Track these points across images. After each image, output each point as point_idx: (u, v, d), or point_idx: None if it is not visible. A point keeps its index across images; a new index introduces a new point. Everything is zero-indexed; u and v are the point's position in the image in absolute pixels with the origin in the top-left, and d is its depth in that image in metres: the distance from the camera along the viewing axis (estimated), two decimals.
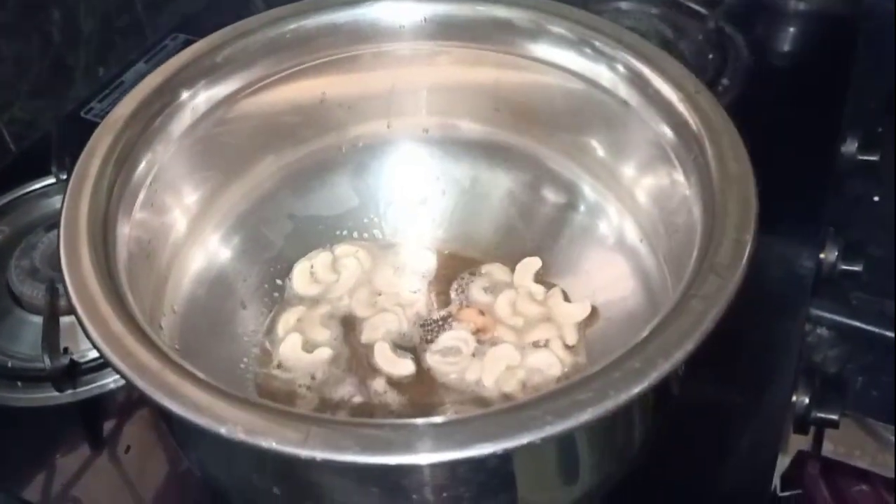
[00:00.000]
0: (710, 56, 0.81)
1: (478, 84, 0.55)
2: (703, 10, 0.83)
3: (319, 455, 0.30)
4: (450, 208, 0.58)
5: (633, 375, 0.32)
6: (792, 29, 0.87)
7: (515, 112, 0.55)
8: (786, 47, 0.86)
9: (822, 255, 0.65)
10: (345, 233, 0.58)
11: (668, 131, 0.44)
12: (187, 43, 0.82)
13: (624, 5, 0.85)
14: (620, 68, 0.47)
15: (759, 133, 0.44)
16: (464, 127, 0.57)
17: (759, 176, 0.41)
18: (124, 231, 0.41)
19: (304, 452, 0.30)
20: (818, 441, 0.81)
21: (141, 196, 0.44)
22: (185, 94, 0.47)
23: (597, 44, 0.48)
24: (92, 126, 0.45)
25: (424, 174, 0.58)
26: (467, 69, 0.54)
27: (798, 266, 0.64)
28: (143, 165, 0.44)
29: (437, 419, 0.31)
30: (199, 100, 0.47)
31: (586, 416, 0.30)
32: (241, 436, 0.30)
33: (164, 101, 0.45)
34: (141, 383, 0.32)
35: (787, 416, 0.56)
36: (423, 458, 0.30)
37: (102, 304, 0.35)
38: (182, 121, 0.46)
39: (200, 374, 0.33)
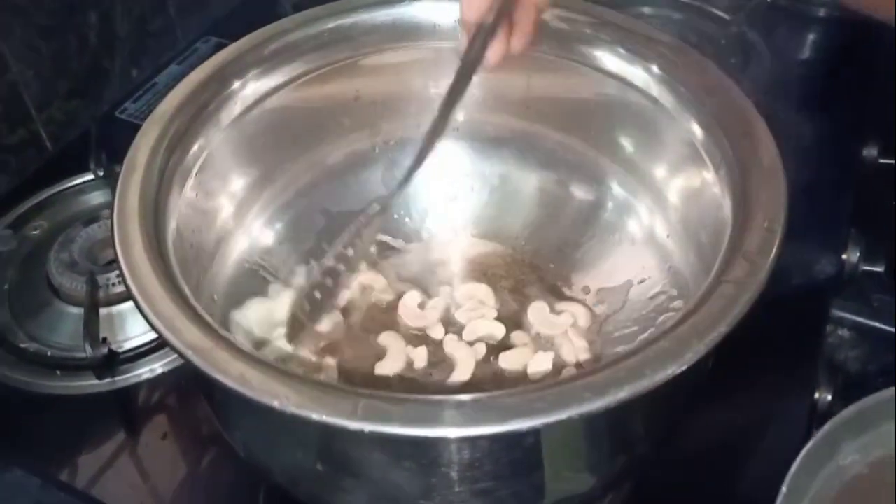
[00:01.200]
0: (732, 61, 0.82)
1: (509, 82, 0.56)
2: (724, 15, 0.85)
3: (368, 427, 0.31)
4: (479, 205, 0.60)
5: (668, 356, 0.33)
6: (813, 34, 0.88)
7: (546, 110, 0.56)
8: (807, 51, 0.87)
9: (844, 257, 0.66)
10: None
11: (698, 129, 0.45)
12: (218, 46, 0.84)
13: (646, 10, 0.87)
14: (652, 67, 0.48)
15: (781, 137, 0.44)
16: (494, 124, 0.58)
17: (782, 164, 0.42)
18: (174, 215, 0.43)
19: (354, 424, 0.31)
20: None
21: (190, 181, 0.45)
22: (235, 84, 0.48)
23: (629, 43, 0.49)
24: (126, 125, 0.47)
25: (454, 171, 0.60)
26: (499, 68, 0.55)
27: (820, 267, 0.65)
28: (194, 150, 0.45)
29: (479, 395, 0.32)
30: (247, 90, 0.49)
31: (623, 393, 0.31)
32: (292, 409, 0.31)
33: (215, 90, 0.47)
34: (196, 359, 0.33)
35: (809, 415, 0.56)
36: (465, 431, 0.31)
37: (154, 285, 0.37)
38: (231, 109, 0.48)
39: (251, 351, 0.34)
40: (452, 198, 0.60)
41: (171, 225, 0.42)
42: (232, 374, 0.33)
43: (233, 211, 0.51)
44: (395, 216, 0.60)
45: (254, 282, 0.53)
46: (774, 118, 0.46)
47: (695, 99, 0.46)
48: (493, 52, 0.46)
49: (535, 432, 0.32)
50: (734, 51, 0.82)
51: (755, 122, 0.43)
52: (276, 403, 0.32)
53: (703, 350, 0.33)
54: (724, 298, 0.35)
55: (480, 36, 0.45)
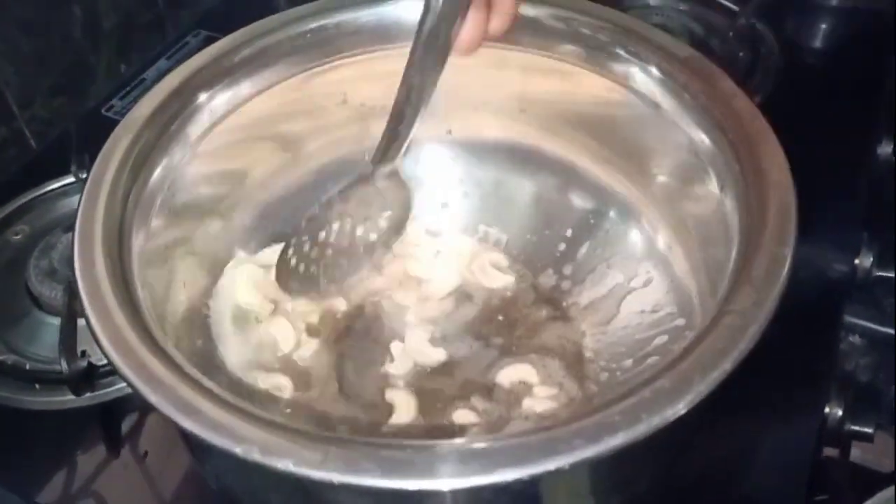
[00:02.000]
0: (741, 54, 0.79)
1: (503, 84, 0.54)
2: (733, 7, 0.81)
3: (337, 478, 0.28)
4: (472, 211, 0.57)
5: (667, 396, 0.30)
6: (825, 25, 0.84)
7: (542, 114, 0.53)
8: (818, 44, 0.84)
9: (856, 261, 0.63)
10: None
11: (702, 136, 0.43)
12: (209, 39, 0.81)
13: (652, 1, 0.83)
14: (654, 70, 0.45)
15: (790, 133, 0.42)
16: (488, 128, 0.56)
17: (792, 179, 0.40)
18: (140, 237, 0.40)
19: (322, 475, 0.29)
20: (845, 448, 0.80)
21: (158, 201, 0.43)
22: (202, 97, 0.46)
23: (629, 45, 0.46)
24: (113, 124, 0.45)
25: (447, 176, 0.57)
26: (492, 69, 0.52)
27: (832, 271, 0.63)
28: (159, 170, 0.43)
29: (460, 441, 0.30)
30: (217, 101, 0.46)
31: (617, 440, 0.29)
32: (256, 456, 0.29)
33: (181, 104, 0.44)
34: (154, 398, 0.31)
35: (818, 430, 0.54)
36: (446, 483, 0.29)
37: (116, 313, 0.34)
38: (200, 123, 0.45)
39: (216, 389, 0.32)
40: (444, 204, 0.57)
41: (138, 247, 0.39)
42: (193, 414, 0.31)
43: (206, 228, 0.48)
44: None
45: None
46: (779, 120, 0.43)
47: (700, 107, 0.43)
48: (468, 33, 0.39)
49: (524, 482, 0.30)
50: (742, 44, 0.79)
51: (764, 135, 0.40)
52: (239, 451, 0.29)
53: (706, 389, 0.30)
54: (729, 331, 0.32)
55: (448, 4, 0.37)
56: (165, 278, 0.45)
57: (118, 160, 0.41)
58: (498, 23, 0.41)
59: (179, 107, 0.45)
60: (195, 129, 0.45)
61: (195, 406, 0.31)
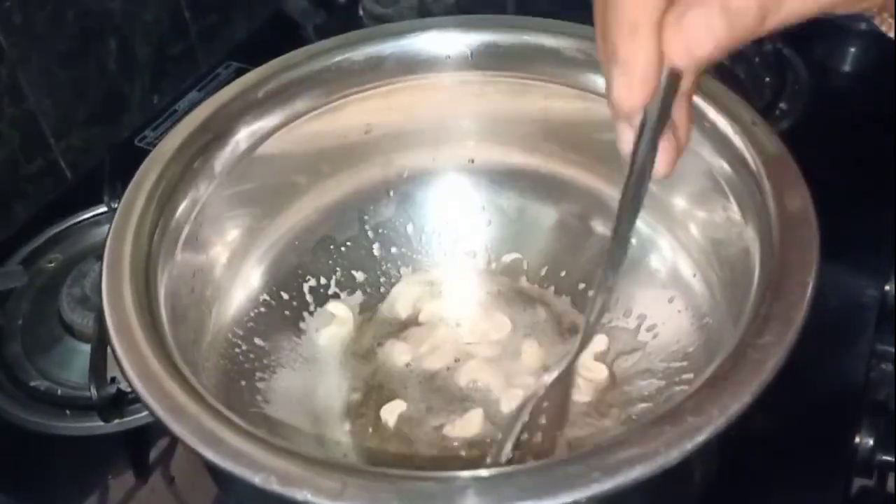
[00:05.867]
0: (767, 79, 0.78)
1: (525, 113, 0.54)
2: None
3: None
4: (496, 239, 0.57)
5: (687, 429, 0.30)
6: (853, 48, 0.84)
7: (564, 142, 0.54)
8: (847, 68, 0.83)
9: (886, 287, 0.62)
10: (389, 265, 0.57)
11: (723, 164, 0.43)
12: (240, 71, 0.83)
13: None
14: None
15: (820, 158, 0.42)
16: (510, 157, 0.56)
17: (820, 202, 0.39)
18: (167, 268, 0.41)
19: None
20: (882, 478, 0.78)
21: (184, 233, 0.44)
22: (228, 131, 0.46)
23: None
24: (145, 154, 0.46)
25: (469, 205, 0.58)
26: (514, 98, 0.53)
27: (863, 297, 0.62)
28: (186, 202, 0.44)
29: (480, 472, 0.30)
30: (241, 135, 0.47)
31: (635, 473, 0.29)
32: (275, 486, 0.29)
33: (206, 138, 0.45)
34: (176, 427, 0.32)
35: (849, 461, 0.53)
36: None
37: (143, 345, 0.35)
38: (224, 157, 0.46)
39: (237, 419, 0.32)
40: (469, 232, 0.58)
41: (165, 279, 0.40)
42: (214, 443, 0.31)
43: (228, 259, 0.49)
44: (404, 250, 0.58)
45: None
46: (807, 145, 0.42)
47: (720, 134, 0.43)
48: (666, 155, 0.34)
49: None
50: (769, 69, 0.79)
51: (786, 164, 0.40)
52: (257, 480, 0.30)
53: (725, 422, 0.30)
54: (749, 363, 0.32)
55: (648, 130, 0.32)
56: (193, 308, 0.46)
57: (146, 192, 0.42)
58: (685, 136, 0.36)
59: (207, 139, 0.45)
60: (222, 161, 0.46)
61: (217, 436, 0.32)
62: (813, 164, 0.42)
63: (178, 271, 0.42)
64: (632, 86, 0.31)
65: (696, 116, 0.44)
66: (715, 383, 0.32)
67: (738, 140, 0.42)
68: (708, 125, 0.44)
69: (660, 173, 0.34)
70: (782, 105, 0.76)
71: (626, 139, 0.34)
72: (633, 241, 0.52)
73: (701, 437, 0.30)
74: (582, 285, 0.54)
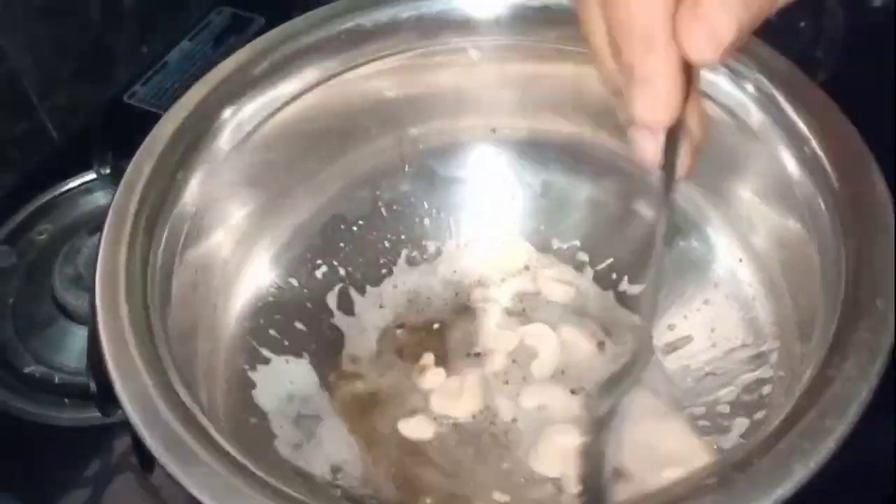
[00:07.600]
0: (802, 24, 0.73)
1: (554, 79, 0.49)
2: None
3: None
4: (519, 215, 0.53)
5: (765, 483, 0.27)
6: None
7: (600, 110, 0.48)
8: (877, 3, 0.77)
9: None
10: (408, 246, 0.53)
11: (791, 158, 0.38)
12: (233, 17, 0.77)
13: None
14: (749, 88, 0.41)
15: (862, 113, 0.38)
16: (536, 126, 0.51)
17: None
18: (167, 267, 0.37)
19: None
20: None
21: (186, 226, 0.40)
22: (227, 112, 0.42)
23: None
24: (135, 112, 0.41)
25: (491, 178, 0.53)
26: (544, 65, 0.48)
27: None
28: (184, 198, 0.39)
29: None
30: (243, 115, 0.43)
31: None
32: None
33: (204, 122, 0.41)
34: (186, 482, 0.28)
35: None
36: None
37: (143, 373, 0.32)
38: (225, 140, 0.42)
39: (251, 466, 0.29)
40: (491, 206, 0.53)
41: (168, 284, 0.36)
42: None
43: (234, 247, 0.45)
44: (426, 224, 0.53)
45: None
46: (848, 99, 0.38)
47: (790, 123, 0.38)
48: (686, 159, 0.33)
49: None
50: (804, 13, 0.73)
51: (866, 164, 0.35)
52: None
53: (807, 473, 0.27)
54: (831, 399, 0.28)
55: (674, 142, 0.32)
56: (196, 303, 0.42)
57: (141, 188, 0.37)
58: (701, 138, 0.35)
59: (204, 124, 0.41)
60: (222, 145, 0.42)
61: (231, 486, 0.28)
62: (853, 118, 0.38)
63: (181, 268, 0.38)
64: (658, 102, 0.29)
65: (765, 101, 0.40)
66: (794, 424, 0.28)
67: (811, 134, 0.37)
68: (776, 111, 0.39)
69: (681, 176, 0.34)
70: (818, 54, 0.71)
71: (647, 148, 0.32)
72: (683, 229, 0.48)
73: (780, 490, 0.27)
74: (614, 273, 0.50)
